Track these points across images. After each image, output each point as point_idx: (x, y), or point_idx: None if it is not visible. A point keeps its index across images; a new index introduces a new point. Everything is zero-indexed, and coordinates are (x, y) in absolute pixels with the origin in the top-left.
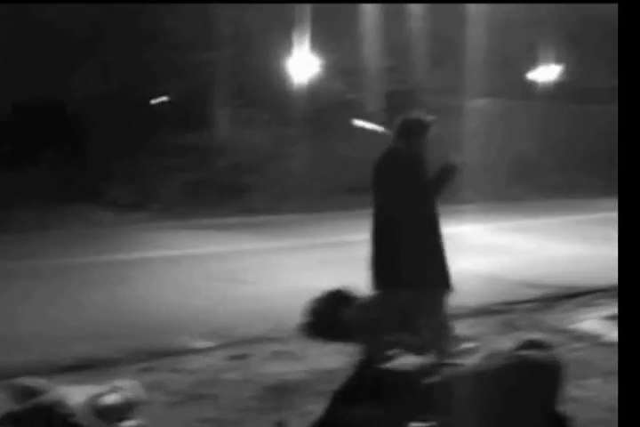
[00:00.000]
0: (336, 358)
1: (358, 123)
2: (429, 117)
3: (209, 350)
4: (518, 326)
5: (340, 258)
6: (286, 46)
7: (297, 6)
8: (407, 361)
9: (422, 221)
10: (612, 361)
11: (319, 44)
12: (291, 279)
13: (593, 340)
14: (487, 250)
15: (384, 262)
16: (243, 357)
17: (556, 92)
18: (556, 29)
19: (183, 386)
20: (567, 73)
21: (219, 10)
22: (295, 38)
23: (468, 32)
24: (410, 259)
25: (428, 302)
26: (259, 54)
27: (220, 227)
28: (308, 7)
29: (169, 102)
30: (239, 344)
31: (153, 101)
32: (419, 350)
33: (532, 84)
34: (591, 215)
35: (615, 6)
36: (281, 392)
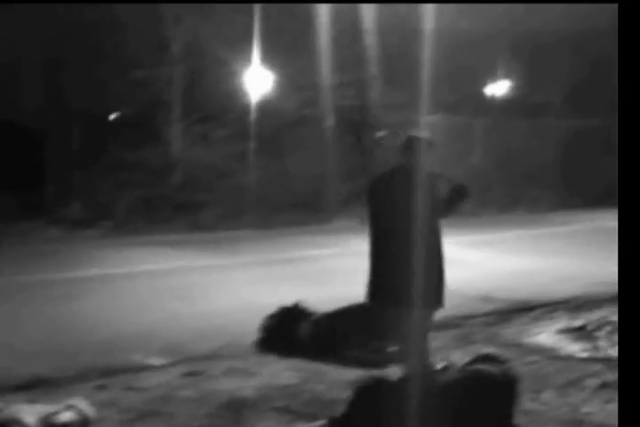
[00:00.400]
0: (291, 373)
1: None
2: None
3: (163, 367)
4: (474, 340)
5: (291, 274)
6: (241, 62)
7: (252, 21)
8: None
9: (427, 237)
10: (567, 374)
11: (274, 59)
12: (243, 295)
13: (547, 353)
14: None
15: (383, 277)
16: (197, 374)
17: (508, 106)
18: (508, 45)
19: (137, 404)
20: (519, 88)
21: (172, 26)
22: (250, 54)
23: (420, 48)
24: (409, 275)
25: (414, 318)
26: (213, 70)
27: (173, 243)
28: (263, 22)
29: (122, 118)
30: (193, 361)
31: (107, 118)
32: (372, 365)
33: (485, 100)
34: (545, 229)
35: (567, 19)
36: (236, 409)
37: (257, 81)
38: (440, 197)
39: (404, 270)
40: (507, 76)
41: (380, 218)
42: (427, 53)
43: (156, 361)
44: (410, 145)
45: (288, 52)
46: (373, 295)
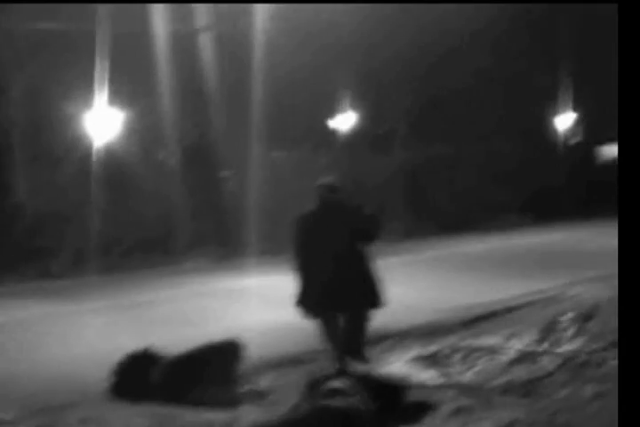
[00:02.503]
0: (143, 420)
1: None
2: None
3: (14, 421)
4: (324, 376)
5: (144, 317)
6: (85, 104)
7: (93, 59)
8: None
9: (356, 255)
10: (420, 401)
11: (118, 100)
12: (96, 342)
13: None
14: (292, 300)
15: (317, 290)
16: (50, 425)
17: (352, 139)
18: (351, 75)
19: None
20: (363, 119)
21: (12, 71)
22: (93, 93)
23: (263, 84)
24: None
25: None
26: (56, 114)
27: (21, 293)
28: (105, 62)
29: None
30: (46, 412)
31: None
32: (226, 406)
33: (328, 133)
34: (394, 259)
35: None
36: None
37: (102, 123)
38: (362, 225)
39: (336, 284)
40: (350, 109)
41: (316, 245)
42: (268, 87)
43: (6, 415)
44: (329, 187)
45: (132, 92)
46: (321, 308)
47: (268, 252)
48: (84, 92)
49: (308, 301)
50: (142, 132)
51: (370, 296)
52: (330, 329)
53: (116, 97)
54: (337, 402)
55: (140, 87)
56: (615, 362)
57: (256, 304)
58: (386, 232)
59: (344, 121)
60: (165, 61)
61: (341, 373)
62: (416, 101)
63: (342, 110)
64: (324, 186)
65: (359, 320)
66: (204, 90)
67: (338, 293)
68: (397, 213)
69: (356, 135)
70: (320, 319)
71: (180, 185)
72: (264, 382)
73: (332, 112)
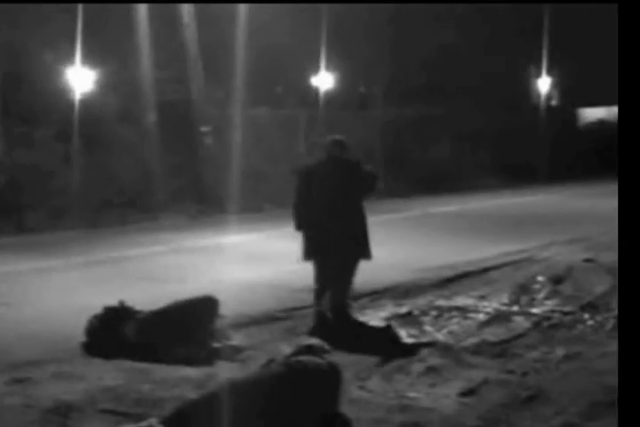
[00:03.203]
0: (117, 374)
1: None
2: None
3: None
4: (299, 332)
5: (120, 273)
6: (63, 62)
7: (68, 19)
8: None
9: (354, 209)
10: (393, 360)
11: (96, 58)
12: (71, 298)
13: None
14: (269, 258)
15: (322, 238)
16: (22, 380)
17: (332, 99)
18: (333, 37)
19: None
20: (344, 80)
21: None
22: (72, 53)
23: (242, 42)
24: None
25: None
26: (34, 71)
27: None
28: (85, 21)
29: None
30: (19, 367)
31: None
32: (202, 362)
33: (310, 92)
34: (372, 218)
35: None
36: (63, 414)
37: (79, 80)
38: (363, 179)
39: (336, 233)
40: (331, 69)
41: (319, 195)
42: (250, 47)
43: None
44: (340, 144)
45: (109, 50)
46: (316, 253)
47: (248, 209)
48: (63, 49)
49: (307, 245)
50: (119, 88)
51: (362, 246)
52: (322, 273)
53: (93, 54)
54: (310, 358)
55: (116, 45)
56: (585, 324)
57: (234, 261)
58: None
59: (324, 80)
60: (145, 18)
61: (319, 328)
62: (395, 64)
63: (323, 70)
64: (334, 141)
65: (348, 268)
66: (185, 48)
67: (334, 240)
68: (380, 171)
69: (338, 94)
70: (315, 263)
71: (158, 141)
72: (241, 338)
73: (313, 72)
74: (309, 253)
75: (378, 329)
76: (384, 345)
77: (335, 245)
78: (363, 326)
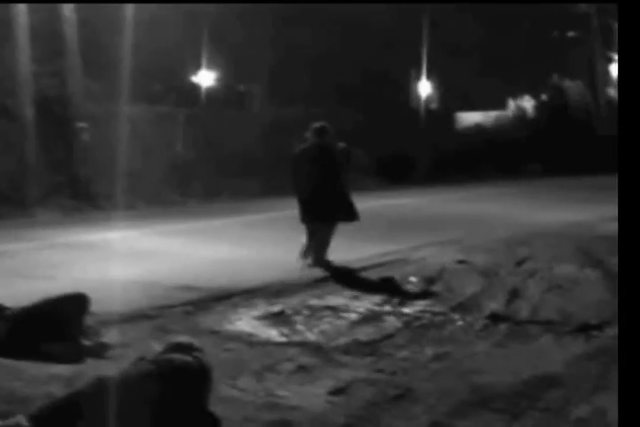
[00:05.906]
0: None
1: None
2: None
3: None
4: (171, 330)
5: None
6: None
7: None
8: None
9: (338, 184)
10: (263, 359)
11: None
12: None
13: (245, 339)
14: (142, 255)
15: (314, 208)
16: None
17: (212, 97)
18: (215, 35)
19: None
20: (223, 78)
21: None
22: None
23: (123, 38)
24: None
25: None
26: None
27: None
28: None
29: None
30: None
31: None
32: (72, 359)
33: (189, 90)
34: (247, 217)
35: None
36: None
37: None
38: (343, 158)
39: (325, 203)
40: (211, 67)
41: (308, 173)
42: (130, 44)
43: None
44: (318, 131)
45: None
46: (311, 218)
47: (122, 206)
48: None
49: (303, 213)
50: None
51: (347, 211)
52: (311, 234)
53: None
54: (179, 356)
55: None
56: (455, 325)
57: (107, 258)
58: (243, 190)
59: (205, 78)
60: (24, 11)
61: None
62: (278, 64)
63: (204, 68)
64: (318, 128)
65: (329, 229)
66: (64, 42)
67: (323, 208)
68: (256, 171)
69: (217, 93)
70: (307, 226)
71: (36, 137)
72: (112, 335)
73: (195, 70)
74: (304, 219)
75: None
76: None
77: (324, 211)
78: None
